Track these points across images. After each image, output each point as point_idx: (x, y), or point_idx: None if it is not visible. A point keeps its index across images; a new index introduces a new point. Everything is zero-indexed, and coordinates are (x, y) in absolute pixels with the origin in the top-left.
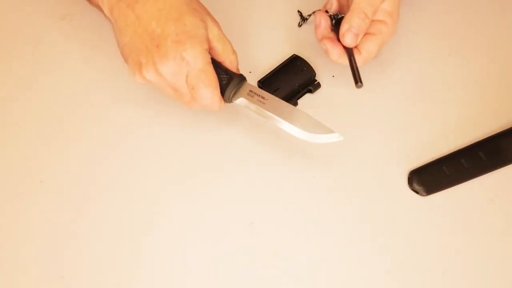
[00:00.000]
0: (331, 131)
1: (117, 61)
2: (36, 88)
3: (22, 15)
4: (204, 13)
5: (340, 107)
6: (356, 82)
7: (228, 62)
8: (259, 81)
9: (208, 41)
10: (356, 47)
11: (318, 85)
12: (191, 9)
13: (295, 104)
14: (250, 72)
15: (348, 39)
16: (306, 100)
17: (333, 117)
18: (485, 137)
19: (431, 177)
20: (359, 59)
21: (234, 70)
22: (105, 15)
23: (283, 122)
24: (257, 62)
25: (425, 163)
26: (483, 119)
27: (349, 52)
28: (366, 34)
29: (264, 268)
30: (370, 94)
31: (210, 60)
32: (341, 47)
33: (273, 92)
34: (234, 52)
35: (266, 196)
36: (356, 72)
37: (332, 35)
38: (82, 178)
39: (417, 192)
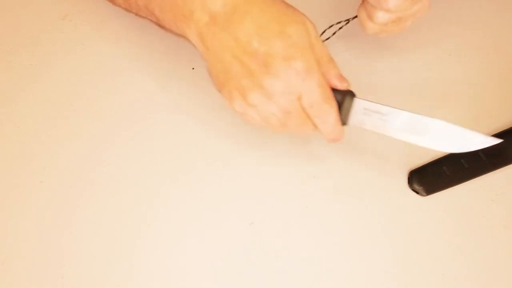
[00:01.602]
0: (483, 136)
1: (117, 61)
2: (36, 87)
3: (22, 15)
4: (299, 15)
5: None
6: None
7: (333, 73)
8: None
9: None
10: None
11: None
12: (290, 17)
13: None
14: None
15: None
16: None
17: None
18: None
19: (431, 177)
20: (394, 26)
21: (339, 82)
22: (191, 43)
23: (420, 140)
24: None
25: (425, 163)
26: (483, 119)
27: None
28: None
29: (264, 268)
30: (370, 94)
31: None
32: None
33: None
34: (332, 58)
35: (266, 196)
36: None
37: None
38: (82, 178)
39: (417, 192)
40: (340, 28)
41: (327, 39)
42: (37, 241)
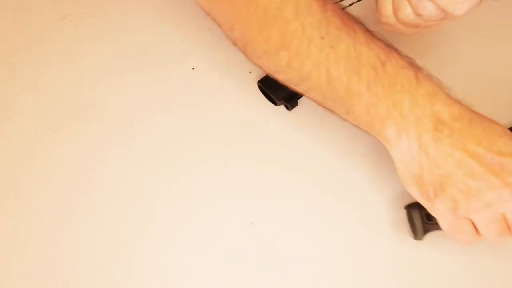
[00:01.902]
0: None
1: (117, 61)
2: (36, 88)
3: (22, 15)
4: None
5: None
6: None
7: None
8: (259, 81)
9: None
10: None
11: None
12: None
13: (295, 104)
14: (250, 72)
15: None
16: (306, 101)
17: (333, 117)
18: None
19: None
20: (407, 28)
21: None
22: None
23: None
24: None
25: None
26: None
27: None
28: None
29: (264, 268)
30: None
31: None
32: None
33: (273, 92)
34: None
35: (266, 196)
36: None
37: None
38: (82, 178)
39: None
40: (350, 4)
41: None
42: (37, 241)
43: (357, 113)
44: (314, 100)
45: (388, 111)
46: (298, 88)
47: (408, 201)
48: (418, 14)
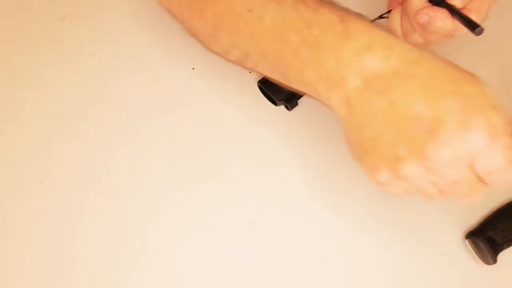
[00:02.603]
0: None
1: (117, 61)
2: (36, 88)
3: (22, 15)
4: (475, 75)
5: None
6: (474, 28)
7: None
8: (259, 82)
9: None
10: (463, 7)
11: None
12: (465, 75)
13: (295, 104)
14: (250, 72)
15: None
16: (306, 101)
17: (333, 117)
18: None
19: None
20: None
21: None
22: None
23: None
24: None
25: None
26: None
27: (454, 9)
28: None
29: (264, 268)
30: None
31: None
32: (444, 9)
33: (273, 92)
34: None
35: (266, 196)
36: (469, 19)
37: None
38: (82, 178)
39: None
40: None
41: None
42: (37, 241)
43: (293, 80)
44: (268, 76)
45: (316, 74)
46: (248, 67)
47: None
48: (425, 39)
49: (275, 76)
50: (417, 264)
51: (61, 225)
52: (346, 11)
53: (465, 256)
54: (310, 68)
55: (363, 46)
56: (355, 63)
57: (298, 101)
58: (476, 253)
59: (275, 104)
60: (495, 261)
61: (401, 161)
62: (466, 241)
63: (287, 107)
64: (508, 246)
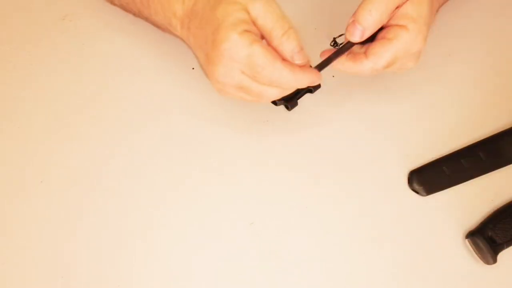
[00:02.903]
0: None
1: (117, 61)
2: (36, 88)
3: (22, 15)
4: None
5: (340, 107)
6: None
7: (287, 48)
8: None
9: (252, 22)
10: (365, 53)
11: (318, 86)
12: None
13: (295, 104)
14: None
15: (351, 31)
16: (306, 101)
17: (332, 117)
18: (485, 137)
19: (431, 177)
20: (365, 66)
21: (293, 59)
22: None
23: None
24: None
25: (425, 163)
26: (483, 119)
27: (344, 47)
28: (380, 38)
29: (264, 268)
30: (370, 95)
31: (255, 39)
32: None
33: None
34: (289, 27)
35: (266, 196)
36: (324, 64)
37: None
38: (82, 178)
39: (417, 192)
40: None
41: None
42: (37, 241)
43: (157, 17)
44: (135, 14)
45: (165, 14)
46: (130, 11)
47: (412, 203)
48: (353, 24)
49: (144, 14)
50: (417, 264)
51: (61, 225)
52: None
53: (465, 256)
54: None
55: None
56: (172, 8)
57: (298, 101)
58: (476, 253)
59: (275, 104)
60: (495, 261)
61: (209, 79)
62: (466, 241)
63: (287, 107)
64: (508, 246)
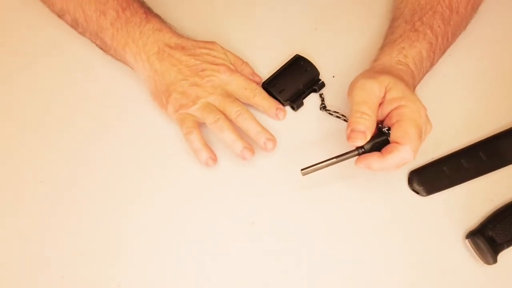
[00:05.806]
0: None
1: (117, 61)
2: (36, 88)
3: (22, 15)
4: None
5: (340, 107)
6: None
7: (246, 71)
8: (263, 83)
9: None
10: (391, 140)
11: (322, 85)
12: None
13: (301, 104)
14: None
15: (354, 139)
16: (309, 101)
17: (332, 117)
18: (485, 137)
19: (431, 177)
20: (405, 150)
21: (252, 77)
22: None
23: None
24: (259, 64)
25: (425, 163)
26: (483, 119)
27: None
28: (393, 124)
29: (264, 268)
30: None
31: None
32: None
33: (279, 93)
34: (244, 62)
35: (266, 196)
36: (318, 166)
37: None
38: (82, 178)
39: (417, 192)
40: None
41: None
42: (37, 241)
43: (108, 43)
44: (94, 43)
45: (125, 40)
46: (80, 32)
47: (412, 203)
48: (352, 132)
49: (99, 42)
50: (417, 264)
51: (61, 225)
52: (149, 8)
53: (465, 256)
54: (121, 35)
55: (157, 28)
56: (153, 37)
57: (303, 100)
58: (476, 253)
59: (282, 104)
60: (495, 261)
61: (190, 91)
62: (466, 241)
63: (293, 108)
64: (508, 246)
